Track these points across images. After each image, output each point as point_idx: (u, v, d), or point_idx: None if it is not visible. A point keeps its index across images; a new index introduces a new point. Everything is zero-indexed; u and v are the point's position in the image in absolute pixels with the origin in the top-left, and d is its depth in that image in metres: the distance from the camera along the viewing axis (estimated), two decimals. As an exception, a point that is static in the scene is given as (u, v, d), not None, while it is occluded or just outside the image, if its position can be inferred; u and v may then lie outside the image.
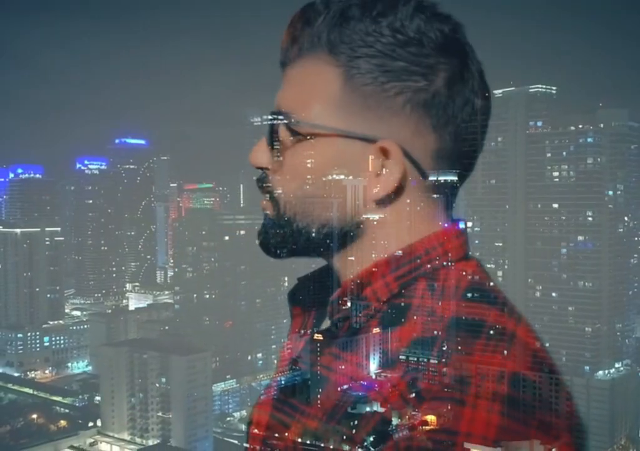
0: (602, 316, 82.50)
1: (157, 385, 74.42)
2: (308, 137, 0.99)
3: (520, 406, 0.80)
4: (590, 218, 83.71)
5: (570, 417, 0.83)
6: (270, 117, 1.02)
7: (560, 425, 0.81)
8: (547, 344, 0.90)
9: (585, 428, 0.86)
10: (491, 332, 0.87)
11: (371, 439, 0.82)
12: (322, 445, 0.87)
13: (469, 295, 0.92)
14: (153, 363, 74.28)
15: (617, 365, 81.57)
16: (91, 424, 74.53)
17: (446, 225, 1.01)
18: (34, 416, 76.48)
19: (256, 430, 1.01)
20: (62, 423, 75.49)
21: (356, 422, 0.84)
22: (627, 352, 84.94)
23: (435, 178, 0.98)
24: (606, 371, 79.20)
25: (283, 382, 1.01)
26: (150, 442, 72.08)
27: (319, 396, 0.91)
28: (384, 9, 0.97)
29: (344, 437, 0.84)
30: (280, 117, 1.00)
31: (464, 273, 0.96)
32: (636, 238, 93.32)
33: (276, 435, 0.95)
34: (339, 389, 0.90)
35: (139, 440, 73.31)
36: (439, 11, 1.00)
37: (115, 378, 74.45)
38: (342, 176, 0.98)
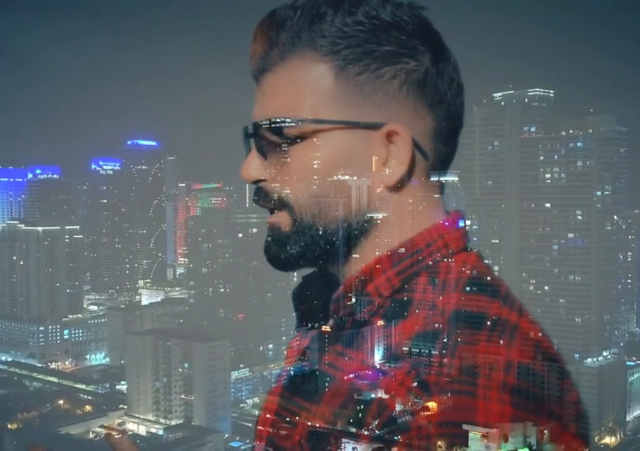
0: (590, 308, 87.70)
1: (180, 370, 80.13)
2: (309, 135, 0.97)
3: (524, 398, 0.80)
4: (579, 217, 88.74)
5: (574, 407, 0.83)
6: (263, 125, 0.99)
7: (565, 416, 0.81)
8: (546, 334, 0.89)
9: (588, 417, 0.86)
10: (494, 324, 0.87)
11: (376, 423, 0.84)
12: (331, 427, 0.89)
13: (470, 287, 0.92)
14: (176, 350, 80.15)
15: (605, 353, 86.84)
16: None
17: (445, 216, 1.01)
18: (60, 402, 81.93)
19: (267, 415, 1.03)
20: (88, 408, 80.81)
21: (362, 407, 0.86)
22: (615, 342, 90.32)
23: (436, 161, 0.99)
24: (594, 359, 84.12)
25: (292, 372, 1.03)
26: (174, 422, 77.66)
27: (326, 384, 0.93)
28: (354, 1, 0.98)
29: (351, 421, 0.86)
30: (273, 124, 0.98)
31: (465, 265, 0.96)
32: (630, 237, 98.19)
33: (286, 419, 0.97)
34: (344, 379, 0.91)
35: (163, 420, 79.13)
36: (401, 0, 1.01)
37: (141, 364, 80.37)
38: (350, 170, 0.96)
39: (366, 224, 0.98)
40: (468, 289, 0.92)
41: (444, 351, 0.86)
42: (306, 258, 1.00)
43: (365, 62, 0.96)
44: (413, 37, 0.98)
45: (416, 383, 0.85)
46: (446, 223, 1.00)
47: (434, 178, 1.00)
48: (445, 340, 0.87)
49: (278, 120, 0.98)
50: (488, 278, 0.96)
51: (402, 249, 0.97)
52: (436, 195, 1.01)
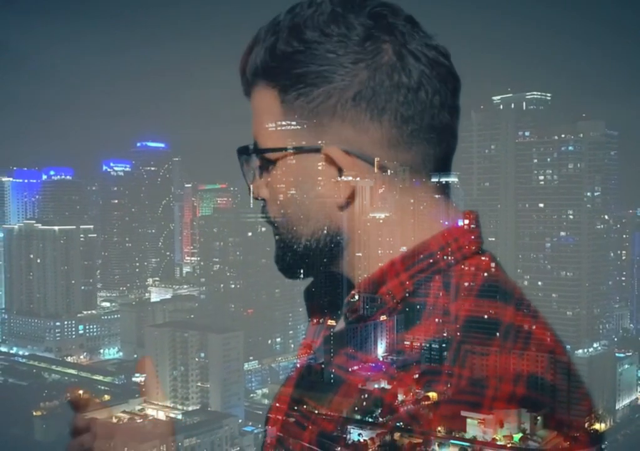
0: (581, 302, 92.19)
1: (196, 359, 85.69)
2: (272, 161, 1.04)
3: (533, 407, 0.83)
4: (571, 217, 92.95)
5: (588, 416, 0.86)
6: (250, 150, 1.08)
7: (579, 425, 0.84)
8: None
9: (602, 432, 0.89)
10: (507, 330, 0.89)
11: (379, 411, 0.89)
12: (338, 415, 0.94)
13: (483, 292, 0.93)
14: (192, 340, 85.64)
15: (595, 345, 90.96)
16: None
17: (445, 220, 1.01)
18: (80, 392, 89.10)
19: (279, 404, 1.10)
20: (106, 397, 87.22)
21: (366, 396, 0.91)
22: (606, 335, 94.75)
23: (399, 169, 1.00)
24: (585, 350, 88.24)
25: (304, 366, 1.10)
26: (190, 408, 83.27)
27: (333, 376, 0.98)
28: (305, 22, 0.99)
29: (356, 409, 0.91)
30: (240, 151, 1.09)
31: (478, 269, 0.97)
32: (624, 236, 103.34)
33: (296, 408, 1.03)
34: (351, 371, 0.97)
35: (180, 406, 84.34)
36: None
37: (159, 354, 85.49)
38: (310, 192, 1.02)
39: (341, 237, 1.04)
40: (480, 293, 0.93)
41: (452, 355, 0.88)
42: (292, 271, 1.10)
43: (300, 86, 1.00)
44: (351, 53, 0.97)
45: (417, 376, 0.89)
46: (451, 227, 1.01)
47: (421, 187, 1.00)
48: (455, 345, 0.89)
49: (240, 148, 1.09)
50: (501, 281, 0.97)
51: (413, 253, 0.99)
52: (430, 201, 1.01)
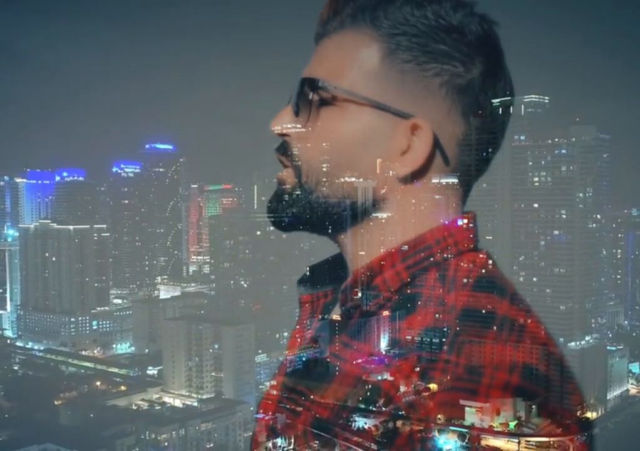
0: (574, 297, 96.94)
1: (210, 350, 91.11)
2: (340, 103, 0.99)
3: (530, 398, 0.85)
4: (564, 216, 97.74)
5: (580, 405, 0.89)
6: (300, 83, 1.01)
7: (571, 413, 0.87)
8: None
9: (592, 420, 0.91)
10: (502, 323, 0.91)
11: (382, 401, 0.92)
12: (342, 404, 0.96)
13: (478, 286, 0.95)
14: (207, 333, 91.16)
15: (587, 338, 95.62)
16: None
17: (457, 216, 1.03)
18: (97, 383, 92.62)
19: (284, 394, 1.10)
20: (122, 388, 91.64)
21: (369, 387, 0.94)
22: (599, 329, 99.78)
23: (457, 170, 1.00)
24: (577, 343, 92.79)
25: (304, 357, 1.10)
26: (205, 396, 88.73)
27: (336, 367, 1.00)
28: None
29: (360, 399, 0.94)
30: (312, 83, 1.00)
31: (474, 264, 0.98)
32: (619, 235, 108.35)
33: (302, 398, 1.04)
34: (353, 363, 0.98)
35: (195, 395, 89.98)
36: (477, 11, 1.03)
37: (175, 346, 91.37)
38: (367, 150, 0.98)
39: (370, 208, 1.01)
40: (476, 287, 0.96)
41: (449, 346, 0.90)
42: (301, 221, 1.05)
43: (415, 53, 0.98)
44: (471, 46, 0.99)
45: (418, 368, 0.92)
46: (458, 222, 1.02)
47: (447, 180, 1.00)
48: (451, 336, 0.91)
49: (315, 79, 1.01)
50: (495, 277, 0.99)
51: (413, 244, 1.00)
52: (454, 195, 1.03)
